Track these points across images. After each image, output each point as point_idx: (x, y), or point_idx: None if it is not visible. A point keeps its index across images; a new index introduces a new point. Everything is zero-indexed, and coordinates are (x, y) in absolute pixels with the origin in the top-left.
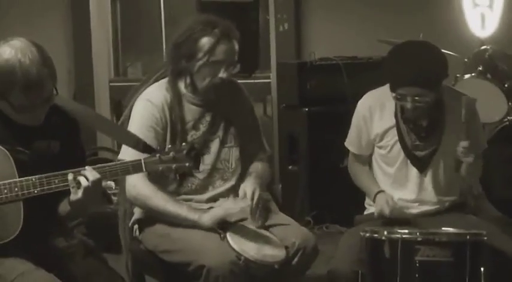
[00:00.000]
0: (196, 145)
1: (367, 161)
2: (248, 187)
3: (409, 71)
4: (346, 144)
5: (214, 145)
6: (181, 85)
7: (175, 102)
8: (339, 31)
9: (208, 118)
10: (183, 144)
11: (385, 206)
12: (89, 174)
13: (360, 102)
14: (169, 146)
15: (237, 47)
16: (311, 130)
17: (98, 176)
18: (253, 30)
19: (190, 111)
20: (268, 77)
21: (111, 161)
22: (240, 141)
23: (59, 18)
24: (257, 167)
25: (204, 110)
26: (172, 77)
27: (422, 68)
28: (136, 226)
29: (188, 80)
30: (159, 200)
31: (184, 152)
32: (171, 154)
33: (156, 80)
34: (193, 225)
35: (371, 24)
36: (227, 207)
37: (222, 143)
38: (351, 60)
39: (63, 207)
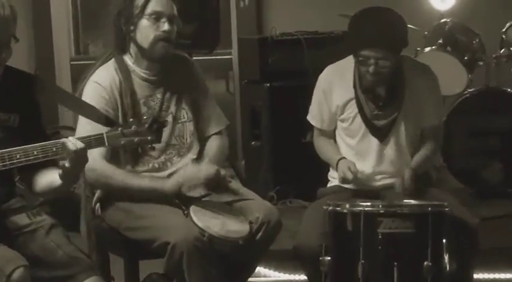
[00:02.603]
0: (159, 118)
1: (330, 135)
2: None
3: (373, 32)
4: (308, 118)
5: (168, 121)
6: (129, 61)
7: (124, 79)
8: (299, 6)
9: (159, 95)
10: (145, 117)
11: (347, 171)
12: (75, 142)
13: (320, 77)
14: (132, 119)
15: (173, 3)
16: (273, 105)
17: (82, 144)
18: (214, 6)
19: (141, 87)
20: (230, 53)
21: None
22: (193, 115)
23: None
24: (211, 143)
25: (155, 86)
26: (118, 52)
27: (385, 30)
28: (98, 204)
29: (134, 49)
30: (120, 176)
31: (146, 125)
32: (133, 128)
33: (104, 63)
34: (158, 194)
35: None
36: (190, 172)
37: (175, 119)
38: (312, 35)
39: (44, 183)
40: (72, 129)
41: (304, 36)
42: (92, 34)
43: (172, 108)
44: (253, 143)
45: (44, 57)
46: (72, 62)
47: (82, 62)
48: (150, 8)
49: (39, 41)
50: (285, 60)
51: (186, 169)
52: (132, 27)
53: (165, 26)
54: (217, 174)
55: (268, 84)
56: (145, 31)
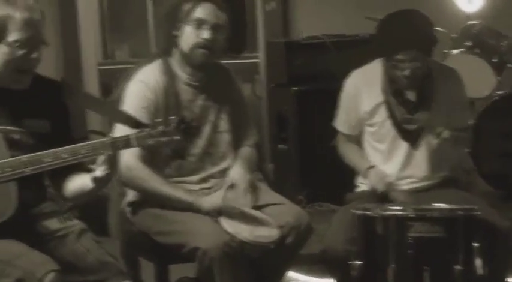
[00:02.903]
0: (186, 119)
1: (357, 140)
2: (237, 173)
3: (406, 34)
4: (334, 124)
5: (206, 130)
6: (175, 64)
7: (169, 81)
8: (326, 9)
9: (201, 101)
10: (172, 117)
11: (378, 182)
12: (107, 145)
13: (346, 82)
14: (158, 120)
15: (221, 13)
16: (300, 109)
17: (113, 147)
18: (240, 9)
19: (184, 91)
20: (256, 57)
21: None
22: (231, 126)
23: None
24: (245, 152)
25: (197, 92)
26: (164, 54)
27: (417, 31)
28: (129, 208)
29: (177, 53)
30: (155, 182)
31: (174, 125)
32: (160, 128)
33: (149, 62)
34: (189, 207)
35: (358, 2)
36: (228, 198)
37: (214, 128)
38: (339, 38)
39: (74, 187)
40: (100, 134)
41: (331, 40)
42: (118, 39)
43: (212, 117)
44: (280, 146)
45: (72, 62)
46: (99, 67)
47: (109, 67)
48: (195, 15)
49: (67, 45)
50: (311, 63)
51: (226, 196)
52: (177, 32)
53: (206, 34)
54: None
55: (295, 88)
56: (188, 37)
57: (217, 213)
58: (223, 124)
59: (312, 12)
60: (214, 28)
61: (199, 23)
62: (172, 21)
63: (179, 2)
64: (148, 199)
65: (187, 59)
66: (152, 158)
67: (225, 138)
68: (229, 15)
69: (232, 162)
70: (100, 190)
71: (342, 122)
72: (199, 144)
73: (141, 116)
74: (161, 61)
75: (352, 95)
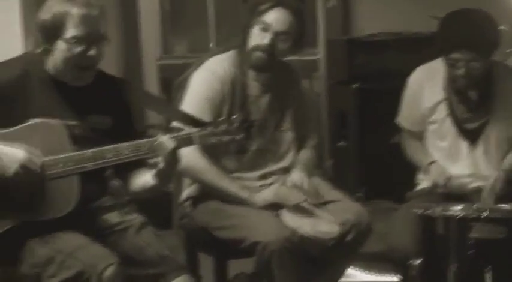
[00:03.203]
0: (249, 117)
1: (420, 137)
2: (297, 176)
3: (463, 34)
4: (397, 120)
5: (270, 127)
6: (245, 59)
7: (238, 74)
8: (387, 6)
9: (267, 98)
10: (235, 116)
11: (438, 176)
12: (167, 142)
13: (410, 78)
14: (221, 118)
15: (292, 19)
16: (360, 106)
17: (173, 144)
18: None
19: (251, 87)
20: (316, 54)
21: None
22: (294, 126)
23: None
24: (305, 155)
25: (265, 89)
26: (237, 47)
27: (476, 32)
28: (188, 202)
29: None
30: (213, 175)
31: (237, 124)
32: (223, 127)
33: (220, 53)
34: (243, 203)
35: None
36: (282, 193)
37: (277, 126)
38: (400, 36)
39: (138, 184)
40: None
41: (392, 37)
42: (177, 34)
43: (277, 115)
44: (340, 143)
45: (132, 57)
46: (159, 62)
47: (168, 62)
48: (264, 18)
49: (127, 40)
50: (372, 61)
51: (279, 191)
52: (248, 29)
53: (267, 39)
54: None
55: (356, 86)
56: (253, 37)
57: (271, 207)
58: (287, 123)
59: (372, 10)
60: (278, 35)
61: (265, 27)
62: (248, 17)
63: (259, 0)
64: (206, 193)
65: (248, 58)
66: (212, 150)
67: (287, 136)
68: (302, 20)
69: (293, 161)
70: (162, 187)
71: (404, 118)
72: (261, 142)
73: (205, 106)
74: (233, 53)
75: (415, 91)
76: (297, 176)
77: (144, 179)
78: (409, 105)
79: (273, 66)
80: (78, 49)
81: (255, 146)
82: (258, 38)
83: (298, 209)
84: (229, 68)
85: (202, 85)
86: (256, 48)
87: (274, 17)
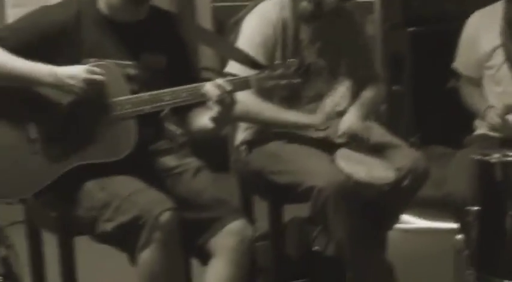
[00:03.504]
0: (306, 61)
1: (477, 82)
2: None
3: None
4: (454, 65)
5: (324, 72)
6: (298, 3)
7: (290, 19)
8: None
9: (320, 43)
10: (292, 59)
11: (495, 118)
12: (223, 85)
13: (467, 22)
14: (278, 62)
15: None
16: (416, 50)
17: (229, 87)
18: None
19: (304, 31)
20: None
21: None
22: (351, 70)
23: None
24: (365, 96)
25: (318, 34)
26: None
27: None
28: (243, 147)
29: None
30: (270, 111)
31: (294, 68)
32: (280, 70)
33: None
34: (306, 128)
35: None
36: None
37: (332, 71)
38: None
39: (197, 125)
40: (213, 71)
41: None
42: None
43: (331, 59)
44: (394, 87)
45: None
46: (213, 4)
47: (223, 4)
48: None
49: None
50: (429, 4)
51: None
52: None
53: None
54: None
55: (411, 29)
56: None
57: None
58: (343, 67)
59: None
60: None
61: None
62: None
63: None
64: (265, 130)
65: (296, 6)
66: (267, 97)
67: (343, 81)
68: None
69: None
70: (220, 130)
71: (461, 63)
72: (317, 87)
73: (258, 51)
74: None
75: (472, 36)
76: (348, 119)
77: (203, 120)
78: (466, 50)
79: (321, 16)
80: None
81: (310, 92)
82: None
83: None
84: (281, 12)
85: (254, 30)
86: None
87: None
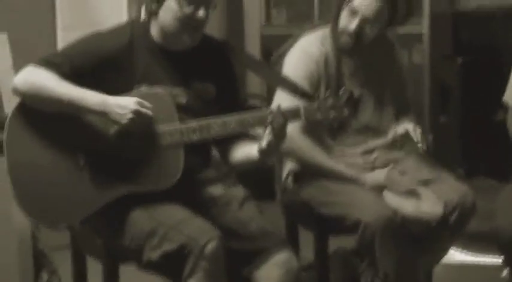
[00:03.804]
0: (355, 93)
1: None
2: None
3: None
4: (505, 97)
5: (370, 103)
6: (339, 36)
7: (331, 52)
8: None
9: (363, 74)
10: (341, 91)
11: None
12: (278, 115)
13: None
14: (328, 93)
15: (380, 4)
16: (464, 80)
17: (282, 118)
18: None
19: (346, 63)
20: (419, 26)
21: None
22: (393, 101)
23: None
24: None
25: (360, 65)
26: (333, 22)
27: None
28: (291, 177)
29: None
30: (317, 154)
31: (343, 99)
32: (330, 101)
33: (312, 30)
34: (351, 181)
35: None
36: (393, 177)
37: (376, 102)
38: (509, 9)
39: (241, 155)
40: (260, 98)
41: (501, 11)
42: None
43: (375, 90)
44: (442, 118)
45: (235, 27)
46: (261, 32)
47: (271, 33)
48: (352, 5)
49: (230, 9)
50: (479, 35)
51: (390, 174)
52: (339, 9)
53: (353, 25)
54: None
55: (461, 59)
56: (342, 19)
57: (380, 189)
58: (386, 98)
59: None
60: (366, 21)
61: (353, 12)
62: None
63: None
64: (309, 171)
65: (337, 39)
66: (314, 128)
67: (387, 112)
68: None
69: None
70: (266, 160)
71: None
72: (362, 118)
73: (303, 85)
74: (325, 31)
75: None
76: (405, 126)
77: (248, 151)
78: None
79: (362, 50)
80: (188, 9)
81: (355, 123)
82: (345, 21)
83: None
84: (322, 46)
85: (298, 66)
86: (343, 31)
87: (363, 2)
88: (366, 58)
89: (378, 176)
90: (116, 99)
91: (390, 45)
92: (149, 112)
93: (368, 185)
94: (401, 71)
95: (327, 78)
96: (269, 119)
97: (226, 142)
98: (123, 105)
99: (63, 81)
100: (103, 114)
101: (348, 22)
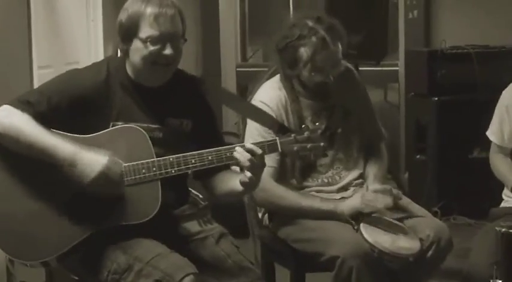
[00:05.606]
0: (331, 125)
1: (508, 152)
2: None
3: None
4: (487, 134)
5: (336, 135)
6: (294, 82)
7: (291, 99)
8: (469, 19)
9: (327, 109)
10: (317, 124)
11: None
12: (251, 148)
13: (504, 92)
14: (304, 125)
15: (340, 47)
16: (440, 119)
17: (260, 150)
18: (382, 17)
19: (307, 106)
20: (395, 64)
21: None
22: (359, 129)
23: (188, 3)
24: (375, 161)
25: (323, 102)
26: (284, 76)
27: None
28: (266, 214)
29: (298, 81)
30: (292, 197)
31: (319, 131)
32: (306, 134)
33: (268, 78)
34: (329, 216)
35: (503, 12)
36: (368, 198)
37: (343, 133)
38: (483, 48)
39: (225, 188)
40: (235, 135)
41: (475, 50)
42: (256, 42)
43: (340, 122)
44: (417, 156)
45: (211, 63)
46: (237, 69)
47: (247, 69)
48: (315, 65)
49: (207, 48)
50: (453, 74)
51: (365, 196)
52: (296, 72)
53: (327, 78)
54: (394, 203)
55: (436, 98)
56: (309, 79)
57: (359, 215)
58: (352, 127)
59: (455, 22)
60: (334, 67)
61: (320, 70)
62: (287, 59)
63: (291, 42)
64: (288, 214)
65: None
66: (283, 172)
67: (355, 141)
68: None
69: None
70: (248, 193)
71: (495, 132)
72: (332, 153)
73: (267, 136)
74: (280, 78)
75: (508, 106)
76: (377, 185)
77: (233, 184)
78: (501, 120)
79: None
80: (154, 48)
81: (326, 159)
82: (314, 78)
83: (384, 222)
84: (279, 95)
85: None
86: (318, 86)
87: (324, 58)
88: (328, 93)
89: (354, 201)
90: (88, 155)
91: (351, 74)
92: (116, 178)
93: (346, 213)
94: (365, 97)
95: (289, 123)
96: (247, 152)
97: (208, 174)
98: (91, 163)
99: (37, 126)
100: (72, 166)
101: (318, 77)
